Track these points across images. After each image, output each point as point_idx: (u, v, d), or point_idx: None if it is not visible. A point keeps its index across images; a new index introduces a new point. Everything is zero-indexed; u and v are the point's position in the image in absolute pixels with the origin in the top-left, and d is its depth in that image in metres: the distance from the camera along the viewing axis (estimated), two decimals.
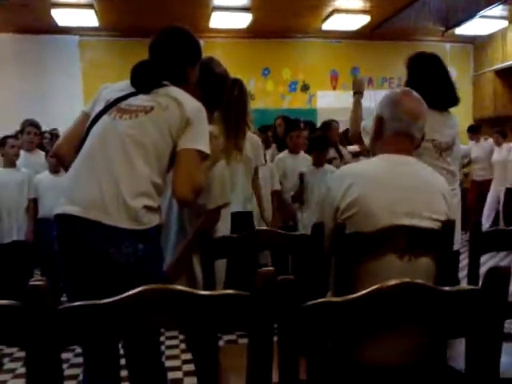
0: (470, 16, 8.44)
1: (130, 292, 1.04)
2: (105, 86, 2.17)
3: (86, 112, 2.13)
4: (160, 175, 1.98)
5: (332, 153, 5.42)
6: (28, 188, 4.88)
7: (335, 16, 8.41)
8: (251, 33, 9.20)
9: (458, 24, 8.88)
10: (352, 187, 1.83)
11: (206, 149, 1.99)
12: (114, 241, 1.84)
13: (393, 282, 1.12)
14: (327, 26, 8.84)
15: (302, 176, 4.64)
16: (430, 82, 2.93)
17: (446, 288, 1.14)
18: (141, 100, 2.01)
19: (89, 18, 8.03)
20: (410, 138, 1.94)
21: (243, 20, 8.46)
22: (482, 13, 8.22)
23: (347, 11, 8.32)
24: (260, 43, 9.57)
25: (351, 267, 1.81)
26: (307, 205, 4.64)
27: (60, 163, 2.22)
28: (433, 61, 3.05)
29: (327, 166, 4.79)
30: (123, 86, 2.10)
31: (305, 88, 9.97)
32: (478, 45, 10.25)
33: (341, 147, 6.12)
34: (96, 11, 7.90)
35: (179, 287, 1.10)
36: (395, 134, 1.94)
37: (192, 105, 2.01)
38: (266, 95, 9.81)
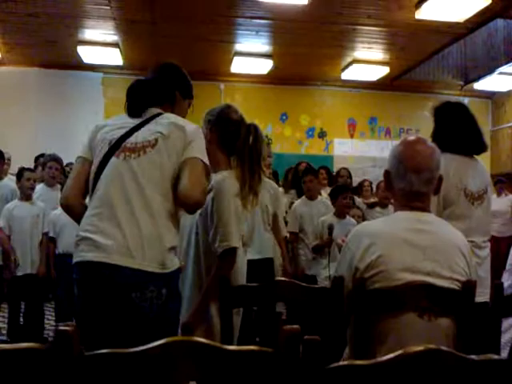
0: (489, 72, 8.52)
1: (156, 343, 1.04)
2: (98, 127, 2.15)
3: (84, 157, 2.11)
4: (175, 205, 2.02)
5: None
6: (43, 222, 4.89)
7: (354, 66, 8.54)
8: (271, 79, 9.35)
9: (477, 79, 8.97)
10: (371, 248, 1.81)
11: (207, 161, 2.07)
12: (138, 285, 1.84)
13: (418, 348, 1.11)
14: (346, 75, 8.97)
15: (331, 228, 4.37)
16: (458, 128, 2.92)
17: (473, 356, 1.13)
18: (143, 134, 2.04)
19: (113, 57, 8.23)
20: (420, 194, 1.90)
21: (264, 66, 8.62)
22: (502, 69, 8.30)
23: (366, 62, 8.46)
24: (279, 89, 9.71)
25: (371, 324, 1.79)
26: (334, 260, 4.31)
27: (69, 214, 2.16)
28: (459, 108, 3.06)
29: (350, 218, 4.68)
30: (119, 121, 2.14)
31: (322, 135, 10.05)
32: (497, 100, 10.32)
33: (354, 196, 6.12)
34: (121, 50, 8.10)
35: (204, 340, 1.10)
36: (404, 193, 1.91)
37: (191, 127, 2.09)
38: (284, 140, 9.90)
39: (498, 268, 7.77)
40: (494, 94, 10.19)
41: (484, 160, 10.28)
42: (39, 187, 5.30)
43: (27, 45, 7.99)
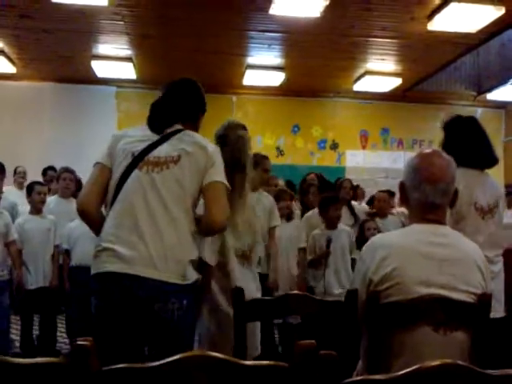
0: (503, 82, 8.49)
1: (172, 358, 1.05)
2: (118, 136, 2.17)
3: (103, 164, 2.11)
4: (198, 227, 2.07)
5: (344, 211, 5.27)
6: (54, 235, 4.91)
7: (367, 78, 8.54)
8: (283, 91, 9.38)
9: (490, 89, 8.94)
10: (386, 260, 1.81)
11: (227, 183, 2.12)
12: (161, 297, 1.86)
13: (435, 363, 1.10)
14: (358, 87, 8.97)
15: (329, 241, 4.38)
16: (468, 142, 2.91)
17: (490, 371, 1.12)
18: (166, 149, 2.07)
19: (127, 71, 8.30)
20: (435, 206, 1.89)
21: (276, 78, 8.64)
22: None
23: (379, 73, 8.46)
24: (291, 101, 9.74)
25: (385, 338, 1.78)
26: (330, 271, 4.40)
27: (86, 220, 2.15)
28: (470, 122, 3.05)
29: (342, 227, 4.61)
30: (141, 133, 2.16)
31: (334, 146, 10.05)
32: (510, 111, 10.26)
33: (355, 204, 6.08)
34: (134, 64, 8.17)
35: (219, 355, 1.10)
36: (419, 205, 1.90)
37: (212, 148, 2.15)
38: (295, 152, 9.91)
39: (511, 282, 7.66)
40: (507, 105, 10.14)
41: (497, 171, 10.23)
42: (52, 199, 5.33)
43: (42, 60, 8.10)
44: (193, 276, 1.98)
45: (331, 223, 4.50)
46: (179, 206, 1.99)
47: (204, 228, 2.08)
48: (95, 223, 2.07)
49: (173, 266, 1.91)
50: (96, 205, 2.08)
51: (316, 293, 4.31)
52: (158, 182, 1.99)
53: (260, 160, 4.48)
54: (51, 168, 6.78)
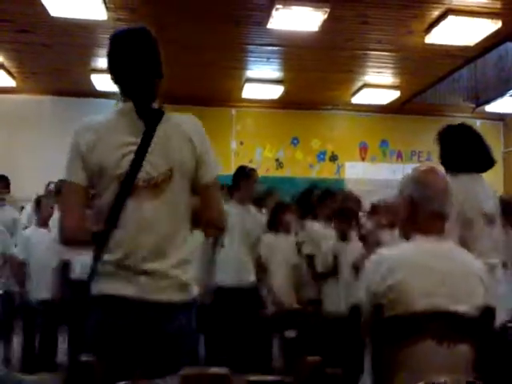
0: (501, 94, 8.53)
1: (177, 374, 1.04)
2: (88, 141, 1.83)
3: (77, 184, 1.85)
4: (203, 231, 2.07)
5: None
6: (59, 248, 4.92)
7: (365, 90, 8.57)
8: (282, 103, 9.40)
9: (489, 101, 8.97)
10: (390, 273, 1.81)
11: (218, 168, 2.01)
12: (169, 316, 1.82)
13: (442, 379, 1.09)
14: (357, 99, 9.00)
15: (335, 257, 4.34)
16: (466, 147, 2.91)
17: None
18: (155, 163, 1.82)
19: None
20: (444, 217, 1.94)
21: (275, 91, 8.67)
22: None
23: (377, 86, 8.49)
24: (290, 113, 9.76)
25: (389, 351, 1.77)
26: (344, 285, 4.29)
27: (73, 245, 2.09)
28: (463, 128, 3.05)
29: (355, 241, 4.58)
30: (114, 135, 1.85)
31: (333, 158, 10.06)
32: (508, 122, 10.29)
33: (361, 217, 6.07)
34: None
35: (223, 371, 1.10)
36: (432, 216, 1.92)
37: (197, 134, 1.91)
38: (295, 164, 9.92)
39: None
40: (505, 117, 10.18)
41: (497, 181, 10.19)
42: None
43: (42, 73, 8.12)
44: (195, 291, 1.94)
45: (340, 235, 4.48)
46: (181, 227, 1.90)
47: (207, 232, 2.08)
48: (87, 243, 1.94)
49: (178, 285, 1.86)
50: (81, 229, 1.86)
51: (323, 308, 4.22)
52: (156, 211, 1.83)
53: (251, 172, 4.55)
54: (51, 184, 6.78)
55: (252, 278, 4.46)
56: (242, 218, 4.49)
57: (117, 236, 1.83)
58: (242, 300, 4.38)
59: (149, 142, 1.83)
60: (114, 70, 1.95)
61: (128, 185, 1.81)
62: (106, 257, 1.83)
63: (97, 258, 1.84)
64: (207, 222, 1.96)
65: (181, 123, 1.93)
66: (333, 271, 4.35)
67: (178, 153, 1.85)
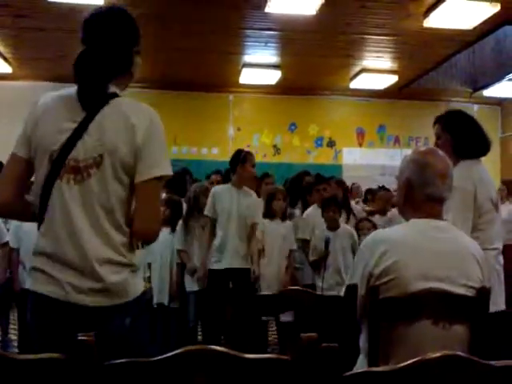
0: (498, 79, 8.51)
1: (174, 352, 1.05)
2: (37, 114, 1.83)
3: (18, 155, 1.82)
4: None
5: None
6: None
7: (363, 75, 8.54)
8: (280, 89, 9.38)
9: (486, 86, 8.95)
10: (386, 254, 1.82)
11: (166, 170, 1.77)
12: (98, 320, 1.68)
13: (437, 354, 1.10)
14: (355, 84, 8.98)
15: (327, 241, 4.43)
16: (473, 133, 2.90)
17: (492, 362, 1.12)
18: (86, 146, 1.72)
19: None
20: (442, 200, 1.94)
21: (272, 77, 8.64)
22: (510, 76, 8.29)
23: (375, 71, 8.46)
24: (288, 99, 9.75)
25: (385, 332, 1.79)
26: (328, 271, 4.46)
27: (8, 214, 2.01)
28: (465, 115, 3.04)
29: (343, 227, 4.68)
30: (64, 110, 1.79)
31: (331, 144, 10.06)
32: (506, 107, 10.29)
33: (353, 204, 6.13)
34: None
35: (221, 348, 1.11)
36: (428, 199, 1.92)
37: (143, 123, 1.74)
38: (292, 150, 9.92)
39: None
40: (503, 101, 10.17)
41: (494, 166, 10.16)
42: None
43: (38, 59, 8.08)
44: (137, 289, 1.80)
45: (330, 224, 4.56)
46: (109, 219, 1.73)
47: (136, 237, 1.79)
48: (20, 213, 1.94)
49: (113, 288, 1.72)
50: (13, 196, 1.80)
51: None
52: (82, 196, 1.72)
53: (248, 156, 4.55)
54: None
55: (247, 262, 4.48)
56: (238, 202, 4.51)
57: (46, 222, 1.75)
58: (237, 282, 4.44)
59: (87, 124, 1.73)
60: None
61: (59, 164, 1.73)
62: (36, 246, 1.78)
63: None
64: (132, 229, 1.76)
65: (127, 110, 1.76)
66: (323, 258, 4.45)
67: (112, 139, 1.71)
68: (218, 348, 1.09)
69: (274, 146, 9.87)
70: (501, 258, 2.84)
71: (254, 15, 6.41)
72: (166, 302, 4.56)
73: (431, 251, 1.84)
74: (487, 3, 5.67)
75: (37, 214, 1.79)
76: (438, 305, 1.77)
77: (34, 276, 1.76)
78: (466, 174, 2.72)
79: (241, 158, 4.51)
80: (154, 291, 4.56)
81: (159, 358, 1.04)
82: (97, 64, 1.78)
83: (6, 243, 4.66)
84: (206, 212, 4.53)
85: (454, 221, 2.01)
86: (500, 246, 2.84)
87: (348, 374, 1.07)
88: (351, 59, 8.04)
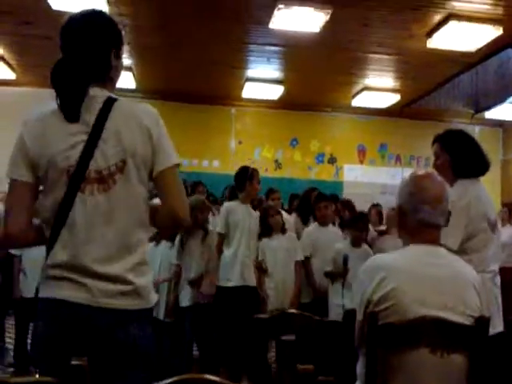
0: (500, 101, 8.54)
1: (169, 380, 1.03)
2: (32, 134, 1.74)
3: (23, 181, 1.73)
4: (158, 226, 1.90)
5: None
6: None
7: (365, 93, 8.58)
8: (282, 104, 9.41)
9: (488, 108, 8.98)
10: (384, 281, 1.81)
11: (177, 158, 1.81)
12: (121, 324, 1.70)
13: None
14: (357, 102, 9.01)
15: (346, 259, 4.40)
16: (471, 153, 2.88)
17: None
18: (105, 154, 1.69)
19: (126, 80, 8.29)
20: (434, 227, 1.92)
21: (275, 92, 8.67)
22: None
23: (377, 89, 8.49)
24: (290, 114, 9.76)
25: (382, 359, 1.76)
26: (349, 289, 4.35)
27: (12, 244, 1.95)
28: (464, 134, 3.02)
29: (366, 247, 4.69)
30: (57, 127, 1.72)
31: (332, 160, 10.06)
32: (507, 129, 10.31)
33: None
34: (134, 74, 8.18)
35: (215, 378, 1.08)
36: (421, 225, 1.92)
37: (154, 123, 1.77)
38: (293, 165, 9.92)
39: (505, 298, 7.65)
40: (504, 123, 10.20)
41: (495, 188, 10.15)
42: None
43: (42, 66, 8.05)
44: (154, 298, 1.81)
45: (355, 241, 4.60)
46: (136, 224, 1.74)
47: (167, 223, 1.83)
48: (31, 242, 1.89)
49: (134, 292, 1.72)
50: (24, 229, 1.76)
51: (330, 306, 4.48)
52: (108, 205, 1.70)
53: (255, 173, 4.58)
54: None
55: (254, 280, 4.49)
56: (248, 218, 4.56)
57: (65, 235, 1.71)
58: (244, 300, 4.41)
59: (99, 132, 1.70)
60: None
61: (78, 177, 1.69)
62: (55, 258, 1.74)
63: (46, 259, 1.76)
64: (168, 211, 1.75)
65: (135, 111, 1.78)
66: (342, 273, 4.42)
67: (131, 142, 1.71)
68: (212, 377, 1.07)
69: (276, 161, 9.87)
70: (498, 280, 2.81)
71: (258, 30, 6.45)
72: (161, 316, 4.52)
73: (428, 277, 1.82)
74: (490, 26, 5.70)
75: (49, 233, 1.74)
76: (436, 333, 1.75)
77: (53, 284, 1.73)
78: (462, 190, 2.72)
79: (248, 175, 4.53)
80: None
81: None
82: (73, 71, 1.73)
83: None
84: (218, 229, 4.56)
85: (443, 233, 1.99)
86: (496, 267, 2.81)
87: None
88: (354, 77, 8.08)
